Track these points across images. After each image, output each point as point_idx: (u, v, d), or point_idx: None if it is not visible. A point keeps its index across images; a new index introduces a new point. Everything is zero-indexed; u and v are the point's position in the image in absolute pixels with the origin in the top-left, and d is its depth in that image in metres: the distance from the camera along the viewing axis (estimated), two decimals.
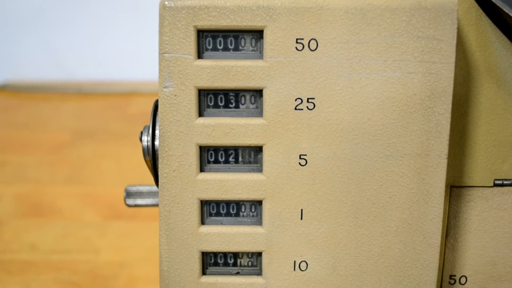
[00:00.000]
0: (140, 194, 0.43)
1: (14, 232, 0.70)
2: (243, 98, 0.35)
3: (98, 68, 1.08)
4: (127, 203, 0.43)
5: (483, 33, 0.37)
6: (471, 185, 0.38)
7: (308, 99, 0.35)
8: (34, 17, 1.06)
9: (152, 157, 0.37)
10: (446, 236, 0.38)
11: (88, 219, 0.72)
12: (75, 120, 0.96)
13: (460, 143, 0.38)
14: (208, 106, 0.35)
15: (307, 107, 0.35)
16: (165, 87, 0.35)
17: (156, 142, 0.36)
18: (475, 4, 0.37)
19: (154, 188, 0.43)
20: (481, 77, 0.38)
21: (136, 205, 0.43)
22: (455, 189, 0.38)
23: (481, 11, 0.37)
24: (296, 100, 0.35)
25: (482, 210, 0.38)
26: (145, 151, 0.37)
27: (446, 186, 0.38)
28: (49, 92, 1.03)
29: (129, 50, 1.06)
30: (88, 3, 1.06)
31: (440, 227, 0.36)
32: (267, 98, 0.35)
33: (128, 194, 0.43)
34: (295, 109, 0.35)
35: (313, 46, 0.34)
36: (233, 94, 0.35)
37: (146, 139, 0.37)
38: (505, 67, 0.38)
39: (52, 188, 0.79)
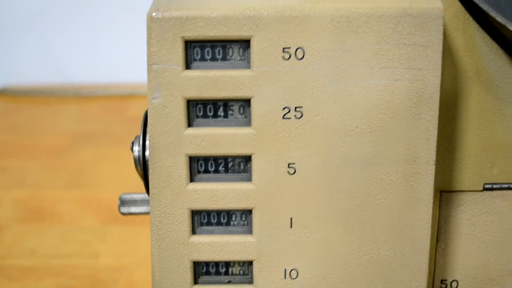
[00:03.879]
0: (134, 202, 0.43)
1: (14, 237, 0.70)
2: (232, 108, 0.36)
3: (97, 71, 1.08)
4: (121, 211, 0.43)
5: (471, 37, 0.37)
6: (461, 189, 0.38)
7: (296, 107, 0.35)
8: (32, 21, 1.06)
9: (143, 167, 0.37)
10: (437, 240, 0.39)
11: (87, 223, 0.73)
12: (75, 123, 0.96)
13: (449, 148, 0.38)
14: (197, 116, 0.36)
15: (295, 115, 0.35)
16: (154, 98, 0.35)
17: (147, 153, 0.37)
18: (462, 9, 0.37)
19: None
20: (470, 81, 0.38)
21: (130, 213, 0.43)
22: (445, 193, 0.38)
23: (468, 15, 0.37)
24: (284, 109, 0.35)
25: (472, 214, 0.39)
26: (136, 161, 0.37)
27: (436, 191, 0.38)
28: (48, 95, 1.03)
29: (127, 52, 1.06)
30: (86, 6, 1.06)
31: (429, 233, 0.36)
32: (255, 107, 0.35)
33: (123, 202, 0.43)
34: (283, 118, 0.35)
35: (300, 54, 0.34)
36: (222, 104, 0.36)
37: (137, 149, 0.37)
38: (493, 71, 0.38)
39: (51, 192, 0.79)
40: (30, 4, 1.06)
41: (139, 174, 0.37)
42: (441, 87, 0.37)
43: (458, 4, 0.37)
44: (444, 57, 0.37)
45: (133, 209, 0.43)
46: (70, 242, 0.69)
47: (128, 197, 0.44)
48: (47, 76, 1.08)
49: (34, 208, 0.76)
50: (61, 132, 0.93)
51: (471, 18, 0.37)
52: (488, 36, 0.37)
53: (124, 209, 0.43)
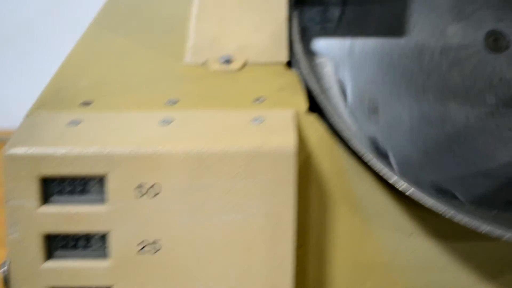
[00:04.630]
0: None
1: None
2: (91, 240, 0.36)
3: None
4: None
5: (337, 161, 0.38)
6: None
7: (152, 242, 0.35)
8: None
9: None
10: None
11: None
12: None
13: (319, 268, 0.39)
14: (57, 249, 0.36)
15: (151, 250, 0.35)
16: (11, 233, 0.35)
17: None
18: (328, 134, 0.37)
19: None
20: (337, 203, 0.38)
21: None
22: None
23: (333, 139, 0.38)
24: (140, 243, 0.35)
25: None
26: (4, 283, 0.37)
27: None
28: None
29: None
30: (33, 50, 1.06)
31: None
32: (112, 241, 0.35)
33: None
34: (140, 251, 0.35)
35: (155, 191, 0.35)
36: (82, 236, 0.36)
37: (3, 272, 0.37)
38: (360, 193, 0.38)
39: None
40: None
41: None
42: (308, 210, 0.38)
43: (324, 129, 0.37)
44: (310, 181, 0.38)
45: None
46: None
47: None
48: None
49: None
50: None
51: (337, 142, 0.38)
52: (354, 159, 0.38)
53: None
